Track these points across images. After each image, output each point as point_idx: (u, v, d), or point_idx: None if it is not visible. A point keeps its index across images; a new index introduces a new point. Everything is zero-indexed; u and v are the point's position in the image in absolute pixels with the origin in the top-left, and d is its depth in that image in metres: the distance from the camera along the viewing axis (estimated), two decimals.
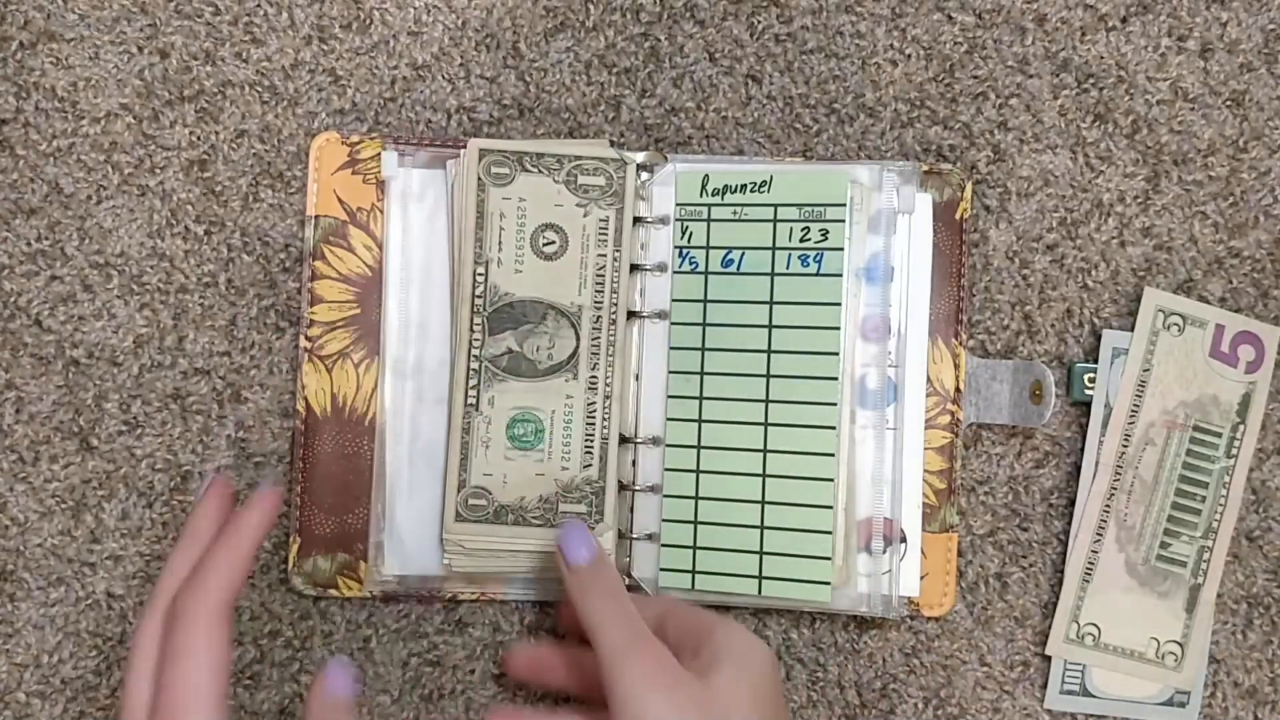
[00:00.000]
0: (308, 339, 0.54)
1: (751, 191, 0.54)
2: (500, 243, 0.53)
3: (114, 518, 0.55)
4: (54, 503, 0.55)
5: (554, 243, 0.53)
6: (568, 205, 0.53)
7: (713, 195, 0.54)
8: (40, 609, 0.55)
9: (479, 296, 0.53)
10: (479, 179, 0.53)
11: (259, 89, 0.55)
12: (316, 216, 0.55)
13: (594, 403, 0.53)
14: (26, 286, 0.55)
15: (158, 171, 0.55)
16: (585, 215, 0.53)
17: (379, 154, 0.54)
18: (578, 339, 0.53)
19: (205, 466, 0.55)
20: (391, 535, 0.54)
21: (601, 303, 0.53)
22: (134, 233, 0.55)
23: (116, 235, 0.55)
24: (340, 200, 0.55)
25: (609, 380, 0.53)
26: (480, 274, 0.53)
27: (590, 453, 0.53)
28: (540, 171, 0.53)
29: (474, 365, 0.53)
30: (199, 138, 0.55)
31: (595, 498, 0.53)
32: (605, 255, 0.53)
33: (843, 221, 0.53)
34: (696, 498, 0.54)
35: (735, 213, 0.54)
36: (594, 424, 0.53)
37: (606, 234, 0.53)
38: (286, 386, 0.55)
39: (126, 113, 0.55)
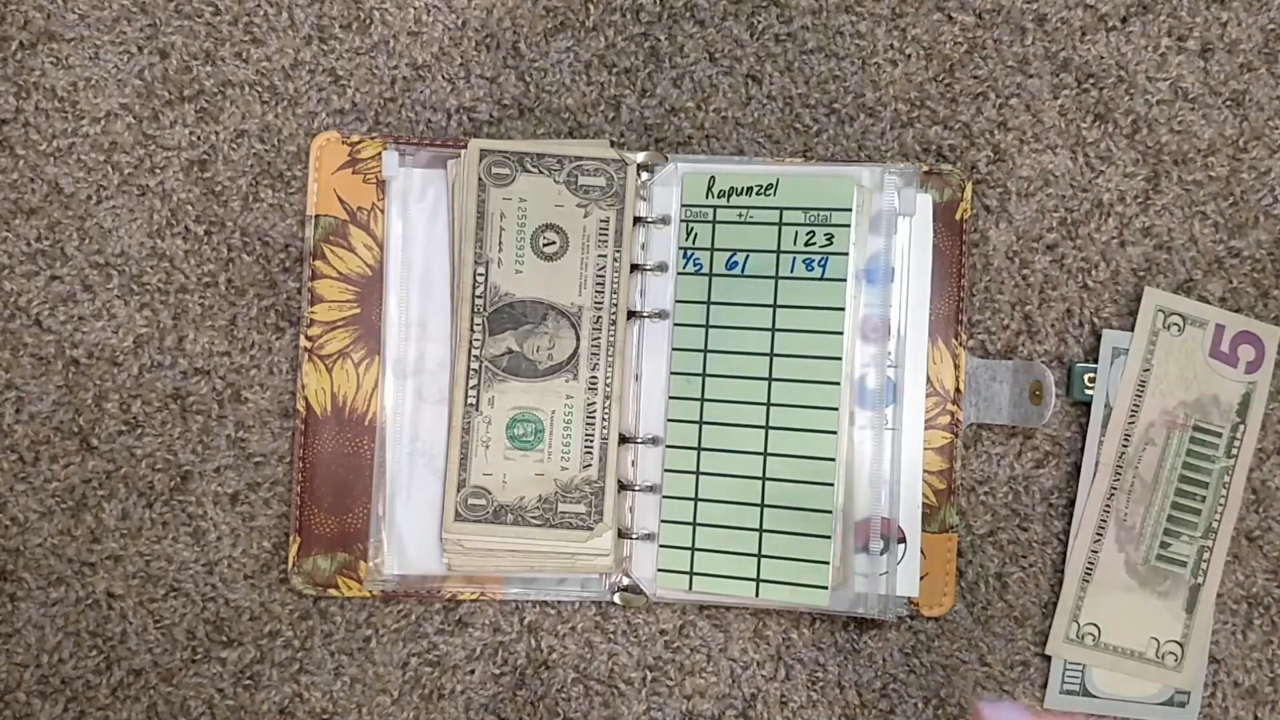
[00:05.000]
0: (308, 339, 0.54)
1: (757, 194, 0.54)
2: (500, 243, 0.53)
3: (114, 518, 0.55)
4: (54, 503, 0.55)
5: (554, 243, 0.53)
6: (568, 206, 0.53)
7: (718, 197, 0.54)
8: (40, 609, 0.55)
9: (479, 296, 0.53)
10: (479, 179, 0.53)
11: (259, 89, 0.55)
12: (317, 216, 0.55)
13: (594, 403, 0.53)
14: (26, 286, 0.55)
15: (158, 171, 0.55)
16: (586, 216, 0.53)
17: (379, 154, 0.54)
18: (578, 339, 0.53)
19: (205, 466, 0.55)
20: (392, 535, 0.54)
21: (602, 303, 0.53)
22: (134, 233, 0.55)
23: (116, 235, 0.55)
24: (340, 200, 0.55)
25: (609, 381, 0.53)
26: (480, 274, 0.53)
27: (590, 453, 0.53)
28: (541, 172, 0.53)
29: (474, 365, 0.53)
30: (199, 138, 0.55)
31: (595, 498, 0.53)
32: (605, 256, 0.53)
33: (848, 226, 0.53)
34: (696, 499, 0.54)
35: (740, 215, 0.54)
36: (594, 424, 0.53)
37: (607, 234, 0.53)
38: (286, 386, 0.55)
39: (126, 113, 0.55)
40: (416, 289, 0.54)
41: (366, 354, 0.55)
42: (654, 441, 0.55)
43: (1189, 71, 0.57)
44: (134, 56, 0.55)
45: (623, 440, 0.54)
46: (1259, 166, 0.57)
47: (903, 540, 0.55)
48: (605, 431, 0.53)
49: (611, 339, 0.53)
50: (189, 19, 0.55)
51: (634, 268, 0.54)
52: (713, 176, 0.54)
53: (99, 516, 0.55)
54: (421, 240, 0.55)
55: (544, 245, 0.53)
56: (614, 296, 0.53)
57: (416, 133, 0.56)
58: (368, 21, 0.56)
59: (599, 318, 0.53)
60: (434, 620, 0.56)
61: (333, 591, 0.55)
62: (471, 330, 0.53)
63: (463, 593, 0.55)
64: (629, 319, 0.54)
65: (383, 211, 0.55)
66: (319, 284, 0.55)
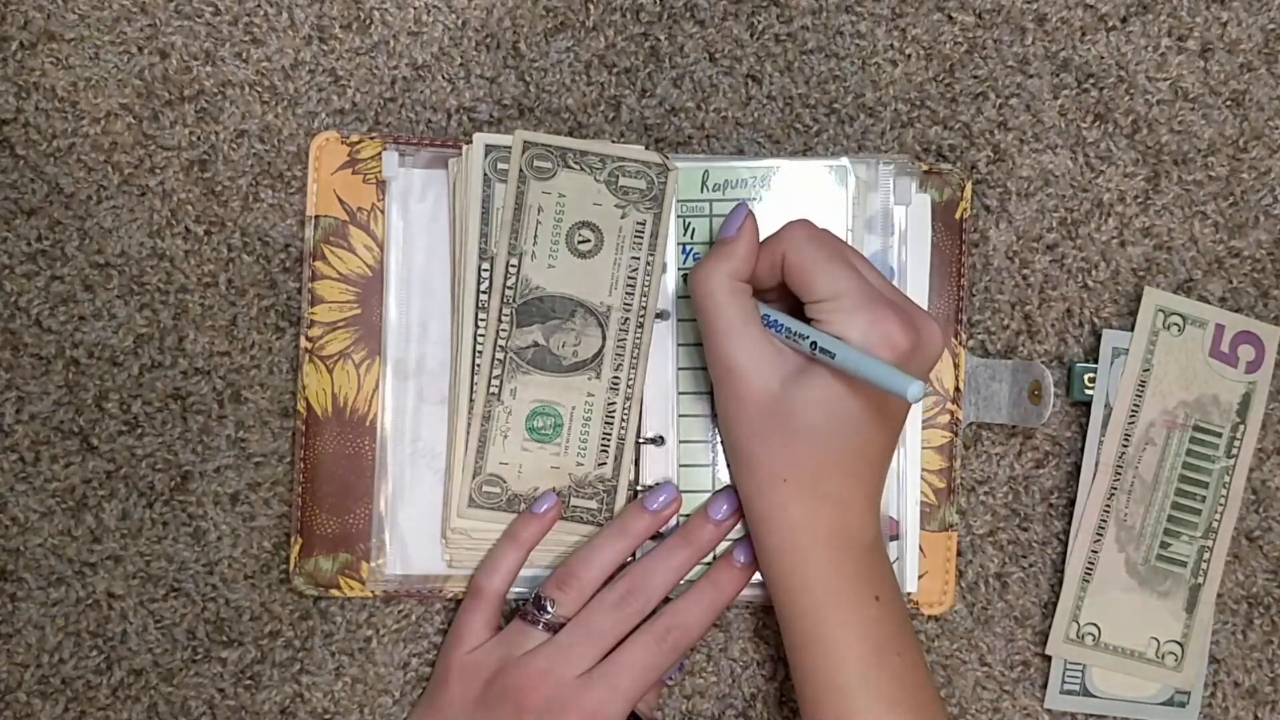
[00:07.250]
0: (308, 339, 0.54)
1: (752, 186, 0.54)
2: (536, 236, 0.53)
3: (114, 518, 0.55)
4: (54, 503, 0.55)
5: (589, 241, 0.53)
6: (606, 205, 0.53)
7: (712, 190, 0.55)
8: (40, 609, 0.55)
9: (510, 287, 0.53)
10: (520, 170, 0.53)
11: (259, 89, 0.55)
12: (316, 216, 0.55)
13: (614, 403, 0.53)
14: (26, 286, 0.55)
15: (158, 171, 0.55)
16: (623, 217, 0.53)
17: (379, 154, 0.54)
18: (604, 339, 0.53)
19: (205, 466, 0.55)
20: (394, 535, 0.54)
21: (630, 305, 0.53)
22: (134, 233, 0.55)
23: (116, 235, 0.55)
24: (340, 200, 0.55)
25: (630, 382, 0.53)
26: (513, 265, 0.53)
27: (606, 451, 0.54)
28: (582, 169, 0.53)
29: (499, 355, 0.53)
30: (199, 138, 0.55)
31: (607, 495, 0.54)
32: (639, 258, 0.53)
33: (844, 212, 0.53)
34: (713, 493, 0.54)
35: None
36: (612, 423, 0.53)
37: (642, 237, 0.53)
38: (286, 386, 0.55)
39: (126, 113, 0.55)
40: (417, 290, 0.54)
41: (367, 354, 0.55)
42: (656, 441, 0.55)
43: (1189, 71, 0.57)
44: (134, 56, 0.55)
45: None
46: (1259, 166, 0.57)
47: (895, 537, 0.55)
48: (623, 432, 0.54)
49: (637, 341, 0.53)
50: (189, 19, 0.55)
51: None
52: (706, 170, 0.54)
53: (99, 516, 0.55)
54: (422, 241, 0.55)
55: (579, 242, 0.53)
56: (643, 299, 0.53)
57: (416, 133, 0.56)
58: (368, 21, 0.56)
59: (626, 319, 0.53)
60: (434, 620, 0.56)
61: (334, 592, 0.55)
62: (500, 321, 0.53)
63: (464, 593, 0.55)
64: None
65: (383, 212, 0.55)
66: (319, 285, 0.55)
